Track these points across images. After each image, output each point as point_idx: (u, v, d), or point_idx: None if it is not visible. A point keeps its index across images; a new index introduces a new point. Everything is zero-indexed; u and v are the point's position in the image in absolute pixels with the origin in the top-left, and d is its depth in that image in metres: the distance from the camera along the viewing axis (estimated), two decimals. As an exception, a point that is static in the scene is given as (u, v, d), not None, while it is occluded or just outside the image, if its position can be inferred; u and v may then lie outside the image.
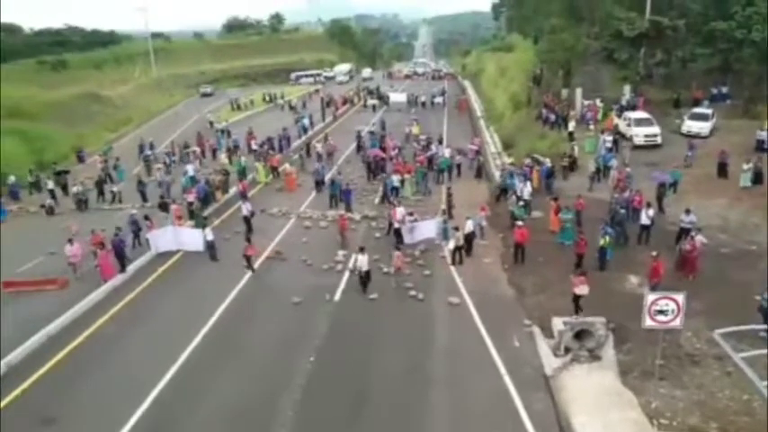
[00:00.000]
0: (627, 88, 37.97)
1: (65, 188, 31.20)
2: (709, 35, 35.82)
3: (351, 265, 19.92)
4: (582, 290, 15.98)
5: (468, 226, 20.98)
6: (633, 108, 35.15)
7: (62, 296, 18.90)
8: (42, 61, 77.59)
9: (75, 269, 20.31)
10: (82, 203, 29.13)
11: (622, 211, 21.30)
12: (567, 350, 14.65)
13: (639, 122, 31.61)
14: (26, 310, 18.03)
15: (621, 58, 37.59)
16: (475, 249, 21.32)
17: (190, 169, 31.29)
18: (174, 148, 38.92)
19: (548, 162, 27.77)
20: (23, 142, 40.27)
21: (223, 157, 35.87)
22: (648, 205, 20.73)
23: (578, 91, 38.69)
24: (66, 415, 13.06)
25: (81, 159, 40.28)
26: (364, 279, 18.50)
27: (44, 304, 18.28)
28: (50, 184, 30.94)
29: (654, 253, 17.18)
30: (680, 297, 12.13)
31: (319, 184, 29.70)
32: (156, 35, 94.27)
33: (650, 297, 12.23)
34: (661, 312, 12.14)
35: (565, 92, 42.03)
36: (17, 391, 13.90)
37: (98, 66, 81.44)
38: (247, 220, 24.40)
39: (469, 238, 21.01)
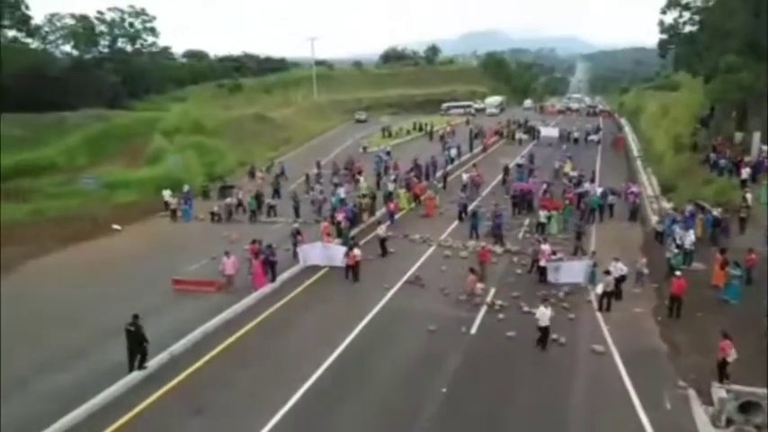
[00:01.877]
0: (816, 134, 33.64)
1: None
2: None
3: (488, 300, 19.59)
4: (732, 355, 14.32)
5: (620, 269, 19.73)
6: (823, 157, 31.04)
7: (219, 298, 20.59)
8: (221, 84, 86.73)
9: (230, 281, 21.53)
10: (231, 214, 32.02)
11: None
12: (730, 422, 13.07)
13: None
14: (189, 306, 19.96)
15: (811, 99, 33.40)
16: (626, 298, 19.96)
17: (341, 191, 32.83)
18: (335, 168, 41.01)
19: (715, 211, 25.28)
20: (199, 155, 45.17)
21: (362, 180, 37.05)
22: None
23: (756, 135, 34.96)
24: (214, 407, 14.09)
25: (252, 175, 42.96)
26: (543, 335, 16.75)
27: (204, 303, 20.10)
28: (240, 194, 34.21)
29: None
30: None
31: (462, 213, 29.64)
32: (319, 63, 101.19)
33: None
34: None
35: (739, 135, 38.21)
36: (174, 382, 15.26)
37: (267, 90, 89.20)
38: (382, 241, 25.06)
39: (618, 283, 19.78)
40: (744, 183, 30.04)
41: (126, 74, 72.59)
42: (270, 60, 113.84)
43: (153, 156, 44.96)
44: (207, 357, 16.48)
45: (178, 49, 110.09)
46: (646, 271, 21.23)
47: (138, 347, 15.21)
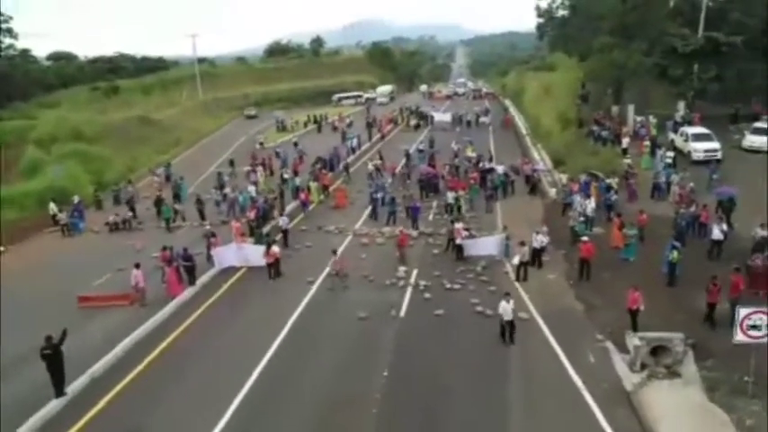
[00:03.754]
0: (681, 104, 37.40)
1: (132, 209, 32.00)
2: (766, 50, 35.14)
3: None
4: (641, 305, 15.80)
5: (540, 240, 21.02)
6: (688, 124, 34.53)
7: (133, 312, 19.39)
8: (96, 87, 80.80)
9: (142, 293, 20.20)
10: (131, 223, 30.34)
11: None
12: (644, 366, 14.30)
13: (698, 137, 31.02)
14: (101, 324, 18.60)
15: (675, 74, 37.09)
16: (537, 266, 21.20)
17: (252, 189, 31.87)
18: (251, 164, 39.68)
19: (609, 179, 27.31)
20: (83, 163, 41.90)
21: (259, 176, 36.36)
22: (721, 220, 20.25)
23: (630, 107, 38.30)
24: (151, 425, 13.35)
25: (168, 179, 39.94)
26: (506, 329, 16.10)
27: (117, 319, 18.86)
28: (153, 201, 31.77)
29: (735, 266, 16.74)
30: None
31: (376, 201, 29.67)
32: (201, 60, 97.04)
33: (743, 311, 11.90)
34: (754, 327, 11.79)
35: (615, 109, 41.66)
36: (102, 403, 14.25)
37: (147, 91, 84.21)
38: (284, 232, 25.30)
39: (539, 253, 21.03)
40: (625, 151, 32.77)
41: (-19, 79, 65.67)
42: (147, 60, 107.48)
43: (28, 168, 41.15)
44: (131, 376, 15.47)
45: (41, 51, 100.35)
46: (547, 239, 22.56)
47: (57, 372, 13.98)
